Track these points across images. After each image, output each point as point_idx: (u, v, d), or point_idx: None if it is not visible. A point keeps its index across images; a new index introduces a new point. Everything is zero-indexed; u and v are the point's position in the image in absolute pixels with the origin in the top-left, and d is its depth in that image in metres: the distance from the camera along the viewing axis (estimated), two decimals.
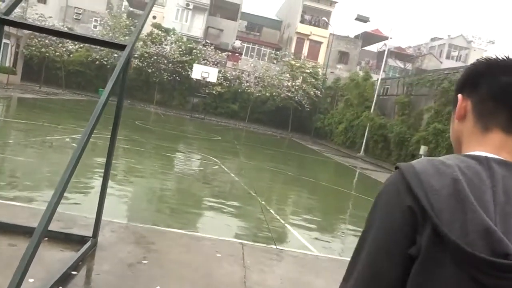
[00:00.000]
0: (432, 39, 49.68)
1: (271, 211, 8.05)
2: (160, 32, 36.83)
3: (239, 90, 38.10)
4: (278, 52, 40.99)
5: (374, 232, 0.89)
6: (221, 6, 45.81)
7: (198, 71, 33.38)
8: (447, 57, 49.17)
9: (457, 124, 1.03)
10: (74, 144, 10.89)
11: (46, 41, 30.73)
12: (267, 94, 37.41)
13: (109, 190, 6.71)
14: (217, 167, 12.20)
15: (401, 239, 0.85)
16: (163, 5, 49.32)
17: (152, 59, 35.02)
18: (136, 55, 35.76)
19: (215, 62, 37.31)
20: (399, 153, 24.84)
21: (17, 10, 30.93)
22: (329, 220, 8.93)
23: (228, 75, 38.38)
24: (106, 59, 34.39)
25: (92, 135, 3.65)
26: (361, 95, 30.41)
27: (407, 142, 24.07)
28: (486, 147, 0.95)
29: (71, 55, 33.87)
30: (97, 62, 34.84)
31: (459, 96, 1.02)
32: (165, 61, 35.32)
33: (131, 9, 56.16)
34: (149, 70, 35.35)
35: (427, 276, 0.82)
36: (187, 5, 41.81)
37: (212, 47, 37.45)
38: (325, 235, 7.60)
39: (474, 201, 0.82)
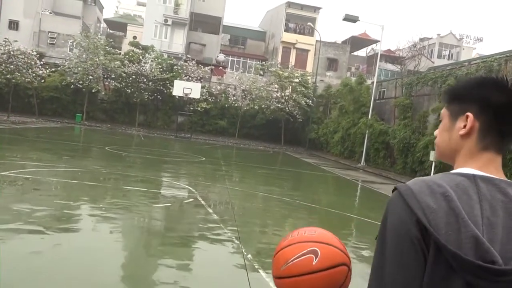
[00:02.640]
0: (421, 39, 47.34)
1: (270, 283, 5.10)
2: (137, 50, 34.07)
3: (226, 105, 35.32)
4: (264, 63, 38.35)
5: (390, 267, 0.99)
6: (201, 20, 43.29)
7: (180, 88, 30.57)
8: (439, 56, 46.82)
9: (459, 139, 1.11)
10: None
11: (12, 66, 27.76)
12: (256, 107, 34.61)
13: None
14: (191, 200, 9.25)
15: (415, 267, 0.97)
16: (142, 24, 46.81)
17: (131, 78, 32.17)
18: (113, 76, 32.92)
19: (198, 78, 34.58)
20: (405, 160, 22.01)
21: None
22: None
23: (213, 90, 35.62)
24: (81, 82, 31.48)
25: None
26: (356, 100, 27.68)
27: (413, 148, 21.27)
28: (476, 164, 1.07)
29: (42, 81, 30.89)
30: (72, 86, 31.94)
31: (470, 116, 1.08)
32: (145, 80, 32.49)
33: (111, 31, 53.65)
34: (128, 91, 32.48)
35: (429, 282, 0.96)
36: (165, 21, 39.19)
37: (193, 62, 34.72)
38: None
39: (466, 215, 0.96)
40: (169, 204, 8.76)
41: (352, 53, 48.35)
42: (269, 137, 36.17)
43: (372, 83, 27.89)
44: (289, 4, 42.97)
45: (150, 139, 27.27)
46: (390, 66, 44.95)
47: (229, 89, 36.13)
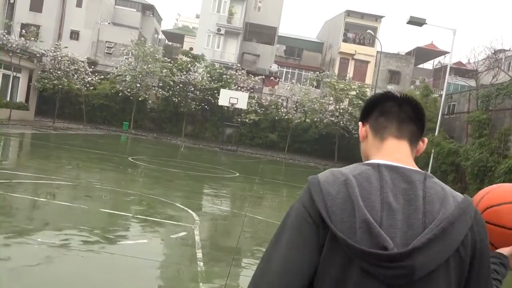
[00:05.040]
0: (497, 51, 41.88)
1: None
2: (186, 58, 32.51)
3: (277, 118, 32.64)
4: (318, 73, 35.26)
5: (289, 227, 1.02)
6: (256, 30, 41.25)
7: (226, 97, 28.37)
8: None
9: (363, 145, 1.22)
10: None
11: (59, 72, 27.03)
12: (308, 120, 31.61)
13: None
14: (182, 234, 6.57)
15: (309, 238, 0.99)
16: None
17: (178, 87, 30.55)
18: (161, 84, 31.53)
19: (248, 88, 32.24)
20: (480, 187, 17.87)
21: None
22: None
23: (263, 101, 33.08)
24: (129, 90, 30.32)
25: None
26: None
27: (491, 173, 17.23)
28: (382, 153, 1.12)
29: (91, 87, 30.11)
30: (120, 94, 30.86)
31: (360, 123, 1.22)
32: (192, 89, 30.71)
33: (169, 42, 53.33)
34: (175, 100, 30.86)
35: (327, 269, 0.98)
36: (218, 30, 37.51)
37: (243, 71, 32.47)
38: None
39: (361, 201, 0.97)
40: (145, 241, 6.11)
41: (417, 66, 43.91)
42: (321, 153, 32.89)
43: (440, 95, 23.94)
44: (349, 13, 39.73)
45: (191, 150, 25.16)
46: (460, 81, 39.98)
47: (280, 100, 33.46)
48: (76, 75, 28.20)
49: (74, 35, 39.41)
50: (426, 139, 1.18)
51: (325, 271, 0.98)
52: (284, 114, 32.12)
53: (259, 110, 31.98)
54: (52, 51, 27.19)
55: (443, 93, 23.12)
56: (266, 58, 40.97)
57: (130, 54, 32.06)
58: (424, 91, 25.41)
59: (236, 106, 28.31)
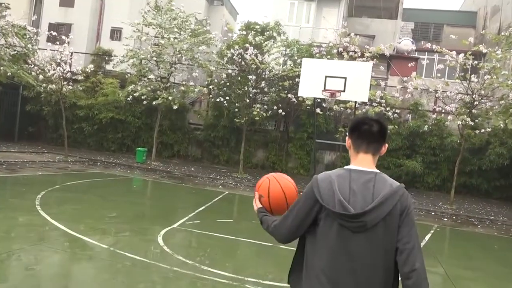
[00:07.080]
0: None
1: None
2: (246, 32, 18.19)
3: (422, 130, 16.54)
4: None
5: (300, 204, 1.84)
6: (367, 4, 25.73)
7: (314, 78, 13.16)
8: None
9: (349, 151, 1.93)
10: None
11: None
12: (487, 130, 14.93)
13: None
14: None
15: (310, 210, 1.81)
16: None
17: (234, 80, 16.22)
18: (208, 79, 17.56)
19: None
20: None
21: None
22: None
23: (390, 98, 17.17)
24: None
25: None
26: None
27: None
28: (356, 161, 1.87)
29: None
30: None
31: (347, 137, 1.94)
32: (257, 82, 16.15)
33: None
34: (226, 103, 16.58)
35: (322, 225, 1.79)
36: None
37: (356, 37, 17.07)
38: None
39: (338, 190, 1.75)
40: None
41: None
42: None
43: None
44: None
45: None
46: None
47: (424, 98, 17.25)
48: None
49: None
50: (386, 144, 1.92)
51: (323, 228, 1.78)
52: (434, 122, 15.86)
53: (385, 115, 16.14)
54: None
55: None
56: (384, 39, 25.14)
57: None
58: None
59: (341, 98, 12.80)
